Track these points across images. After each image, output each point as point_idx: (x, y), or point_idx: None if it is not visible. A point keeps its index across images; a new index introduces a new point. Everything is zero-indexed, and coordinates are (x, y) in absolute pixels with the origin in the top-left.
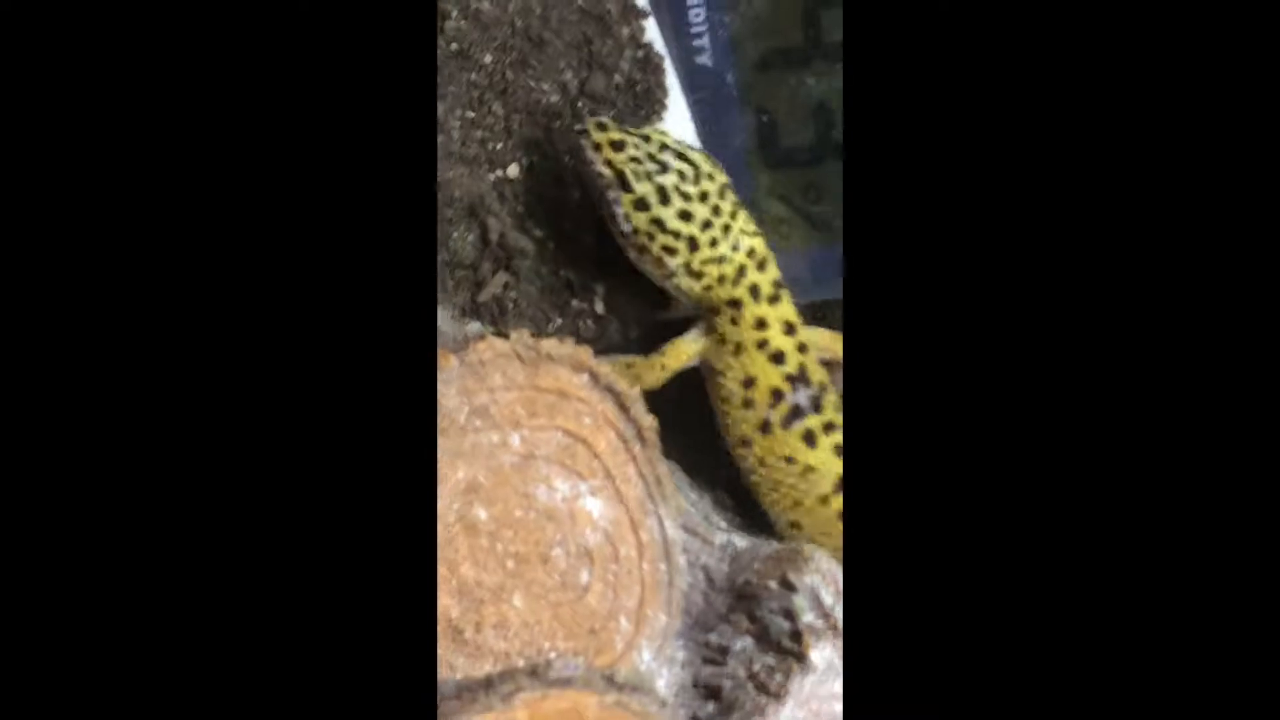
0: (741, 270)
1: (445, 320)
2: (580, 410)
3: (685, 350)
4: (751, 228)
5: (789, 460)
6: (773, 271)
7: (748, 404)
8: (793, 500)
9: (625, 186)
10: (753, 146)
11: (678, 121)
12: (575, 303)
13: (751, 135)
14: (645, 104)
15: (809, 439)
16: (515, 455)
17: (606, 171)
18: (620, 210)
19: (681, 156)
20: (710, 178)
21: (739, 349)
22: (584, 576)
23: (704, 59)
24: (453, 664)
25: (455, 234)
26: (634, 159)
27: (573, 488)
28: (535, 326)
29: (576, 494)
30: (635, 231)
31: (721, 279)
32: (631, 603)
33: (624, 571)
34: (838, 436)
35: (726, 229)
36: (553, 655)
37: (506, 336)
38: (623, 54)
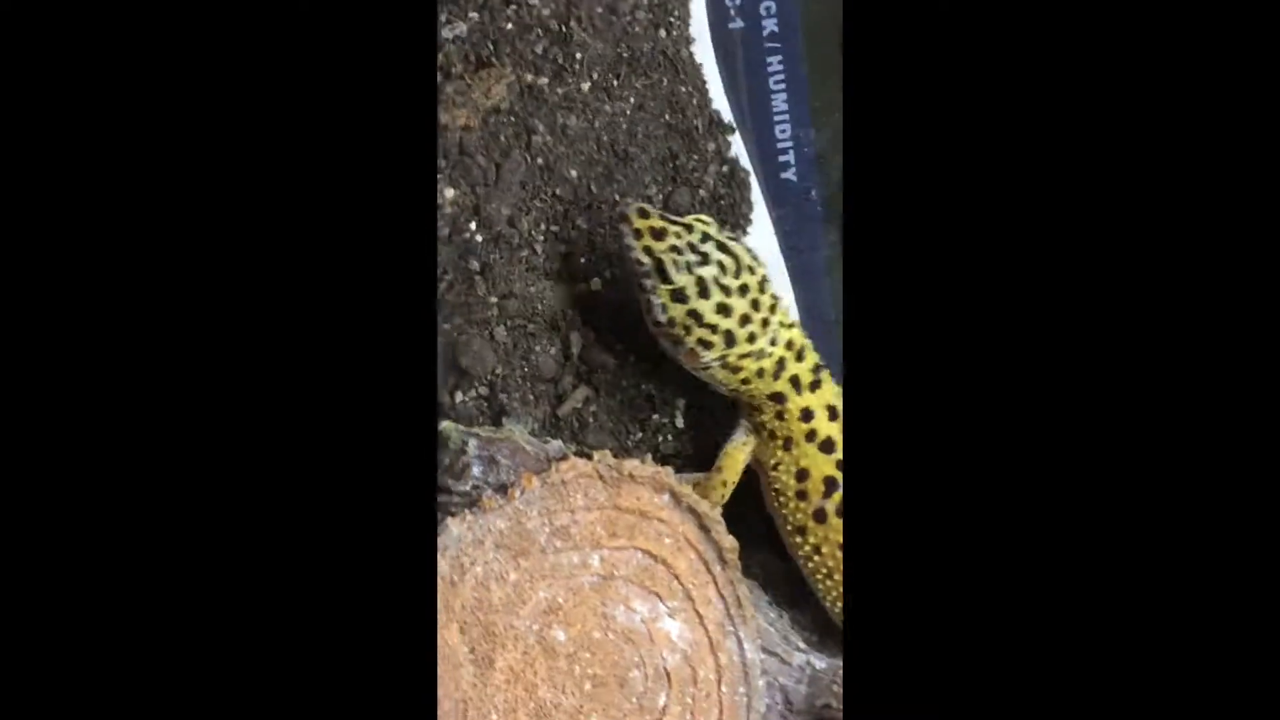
0: (781, 364)
1: (525, 437)
2: (661, 531)
3: (739, 458)
4: (789, 319)
5: (843, 547)
6: (811, 358)
7: (801, 495)
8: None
9: (664, 277)
10: (836, 261)
11: (762, 236)
12: (656, 417)
13: (835, 250)
14: (730, 218)
15: None
16: (595, 576)
17: (646, 260)
18: (657, 300)
19: (723, 248)
20: (750, 270)
21: (789, 443)
22: (661, 699)
23: (789, 174)
24: None
25: (537, 348)
26: (674, 249)
27: (652, 609)
28: (615, 440)
29: (656, 615)
30: (671, 323)
31: (760, 373)
32: None
33: (702, 695)
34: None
35: (765, 324)
36: None
37: (589, 456)
38: (708, 169)
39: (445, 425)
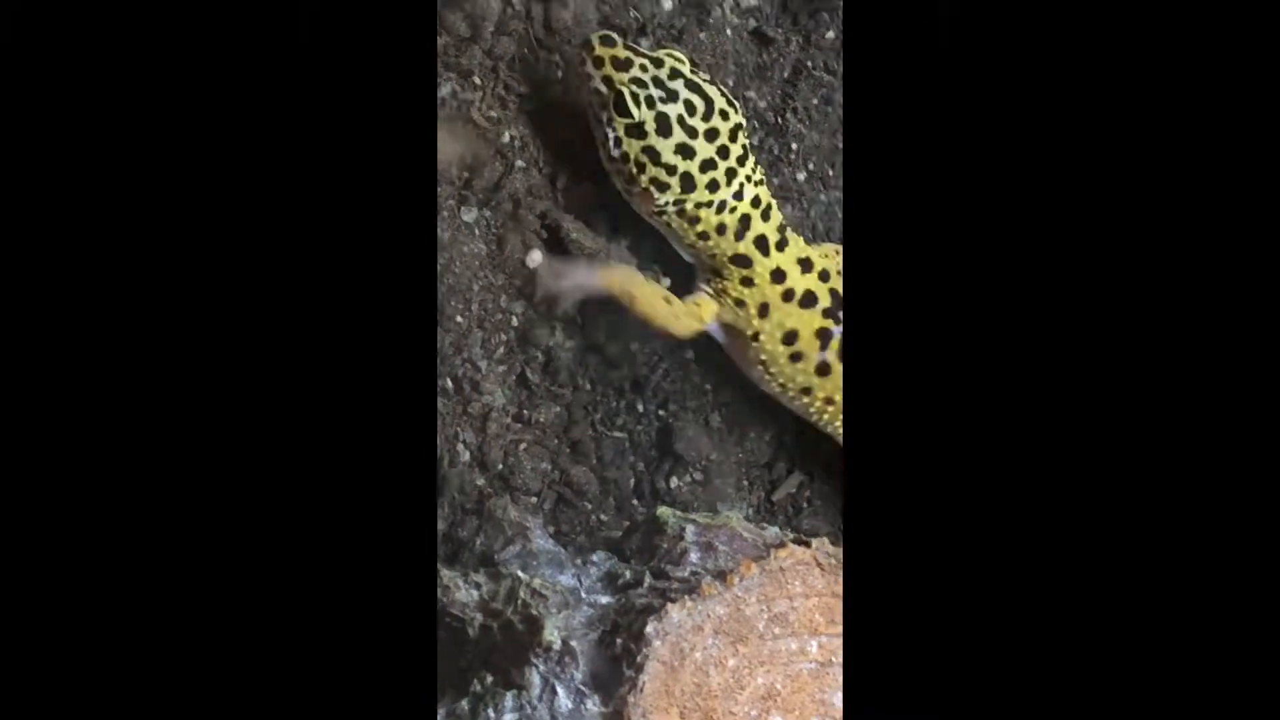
0: (745, 221)
1: (742, 523)
2: None
3: (710, 308)
4: (759, 175)
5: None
6: (777, 217)
7: (796, 357)
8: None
9: (621, 109)
10: None
11: None
12: None
13: None
14: None
15: None
16: (813, 662)
17: (603, 89)
18: (611, 133)
19: (694, 87)
20: (723, 115)
21: (765, 309)
22: None
23: None
24: None
25: (752, 434)
26: (637, 80)
27: None
28: (831, 526)
29: None
30: (624, 158)
31: (721, 229)
32: None
33: None
34: None
35: (730, 174)
36: None
37: (806, 544)
38: None
39: (662, 511)
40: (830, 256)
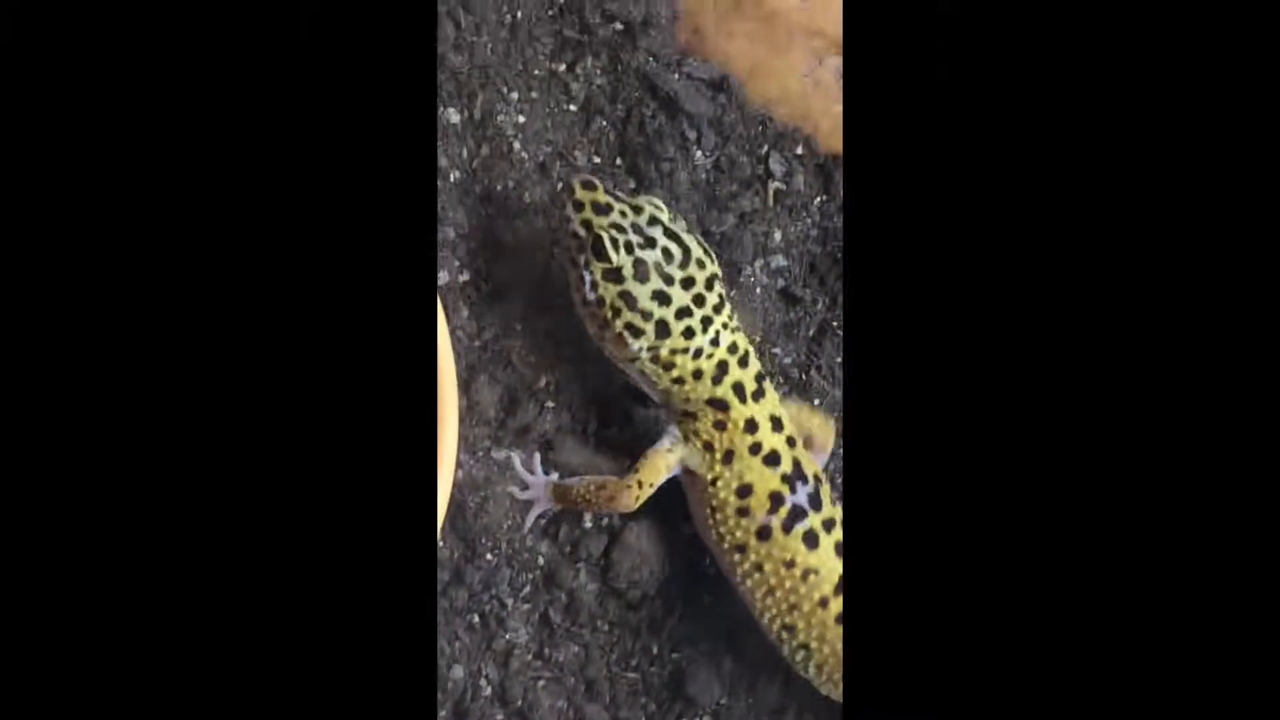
0: (723, 367)
1: None
2: None
3: (662, 464)
4: (735, 323)
5: (789, 564)
6: (755, 365)
7: (743, 512)
8: (789, 604)
9: (599, 253)
10: None
11: None
12: None
13: None
14: None
15: (810, 540)
16: None
17: (581, 232)
18: (589, 276)
19: (671, 235)
20: (700, 265)
21: (729, 456)
22: None
23: None
24: None
25: (762, 679)
26: (616, 225)
27: None
28: None
29: None
30: (600, 302)
31: (698, 374)
32: None
33: None
34: (838, 534)
35: (706, 322)
36: None
37: None
38: None
39: None
40: (800, 422)
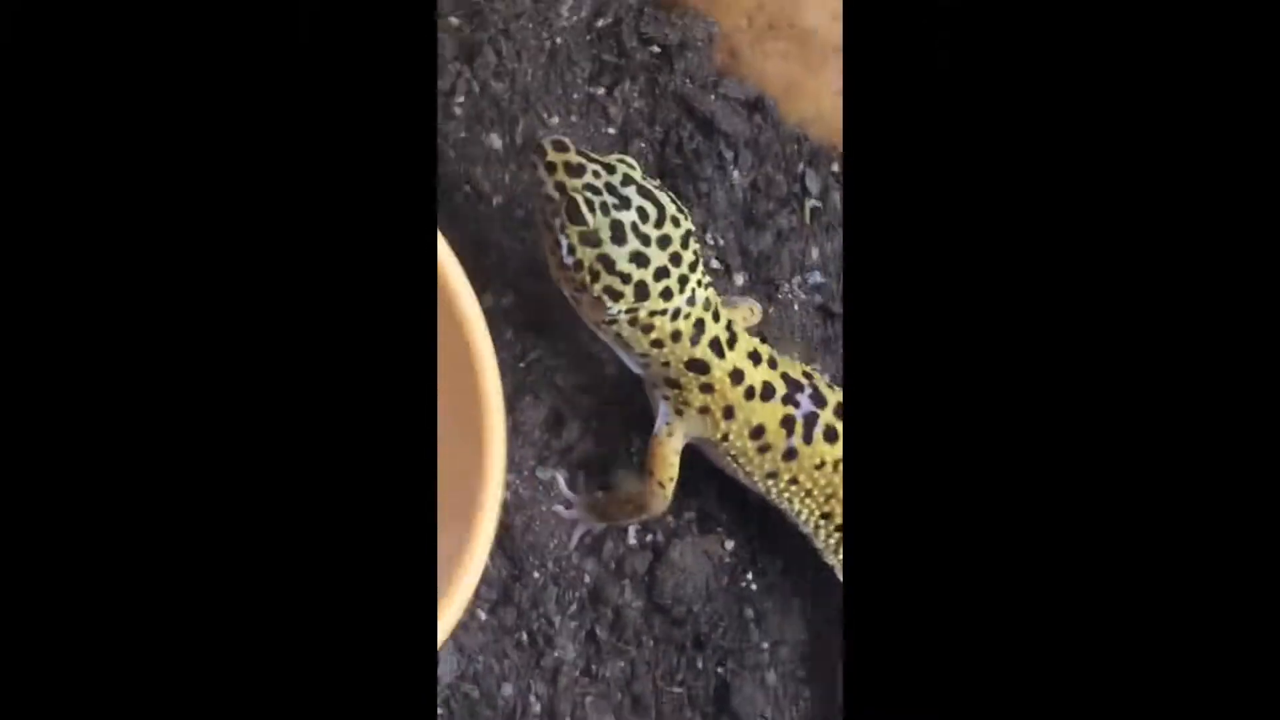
0: (700, 325)
1: None
2: None
3: (670, 452)
4: (707, 278)
5: (819, 466)
6: (724, 313)
7: (764, 449)
8: (825, 496)
9: (575, 216)
10: None
11: None
12: None
13: None
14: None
15: (830, 436)
16: None
17: (555, 195)
18: (565, 240)
19: (646, 193)
20: (675, 222)
21: (730, 411)
22: None
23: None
24: None
25: (807, 693)
26: (590, 187)
27: None
28: None
29: None
30: (578, 266)
31: (676, 335)
32: None
33: None
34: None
35: (684, 281)
36: None
37: None
38: None
39: None
40: (742, 325)
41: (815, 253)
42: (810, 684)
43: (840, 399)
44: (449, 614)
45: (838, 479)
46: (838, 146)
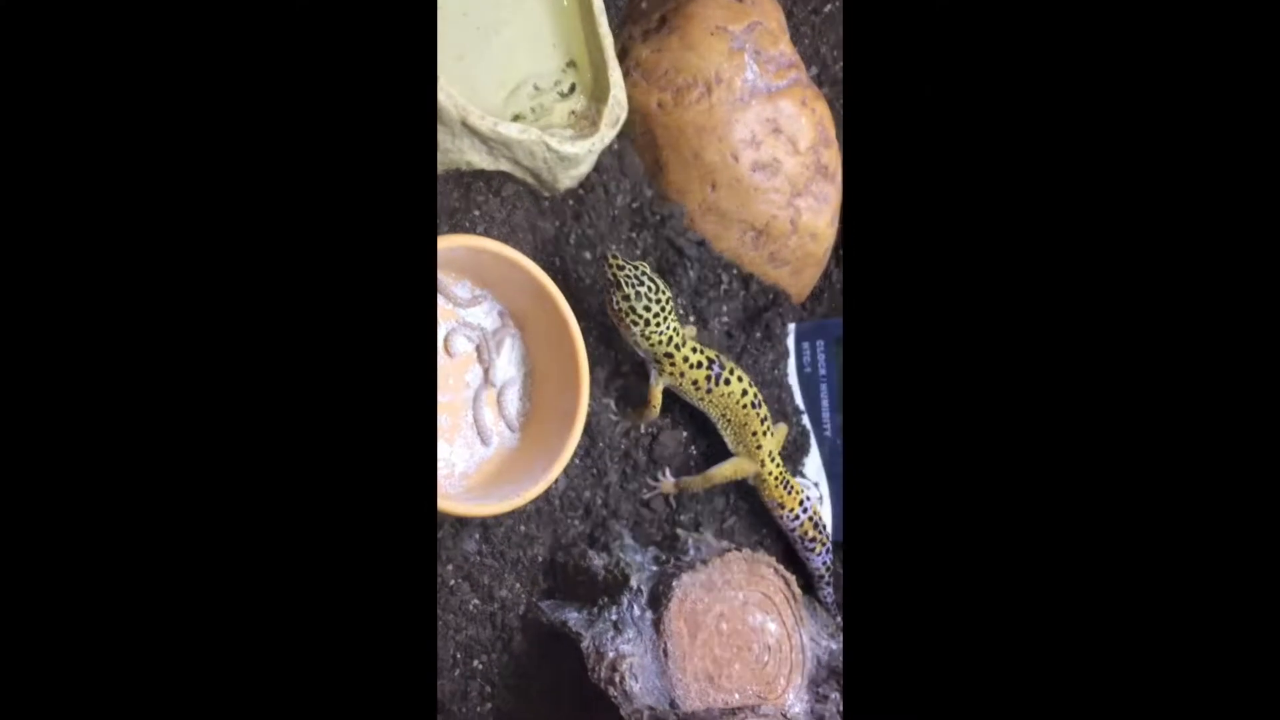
0: (671, 340)
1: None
2: (770, 581)
3: (657, 392)
4: (674, 323)
5: (722, 396)
6: (683, 333)
7: (697, 387)
8: (723, 410)
9: (619, 287)
10: None
11: (813, 463)
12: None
13: None
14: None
15: (725, 383)
16: (742, 603)
17: (611, 277)
18: (614, 298)
19: (652, 281)
20: (663, 293)
21: (682, 374)
22: (766, 658)
23: (829, 433)
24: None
25: None
26: (627, 275)
27: (765, 618)
28: (749, 542)
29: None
30: (618, 310)
31: (660, 341)
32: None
33: (785, 656)
34: (744, 379)
35: (663, 320)
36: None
37: (739, 548)
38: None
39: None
40: (688, 339)
41: (725, 308)
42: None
43: (733, 366)
44: (562, 459)
45: (730, 402)
46: (742, 266)
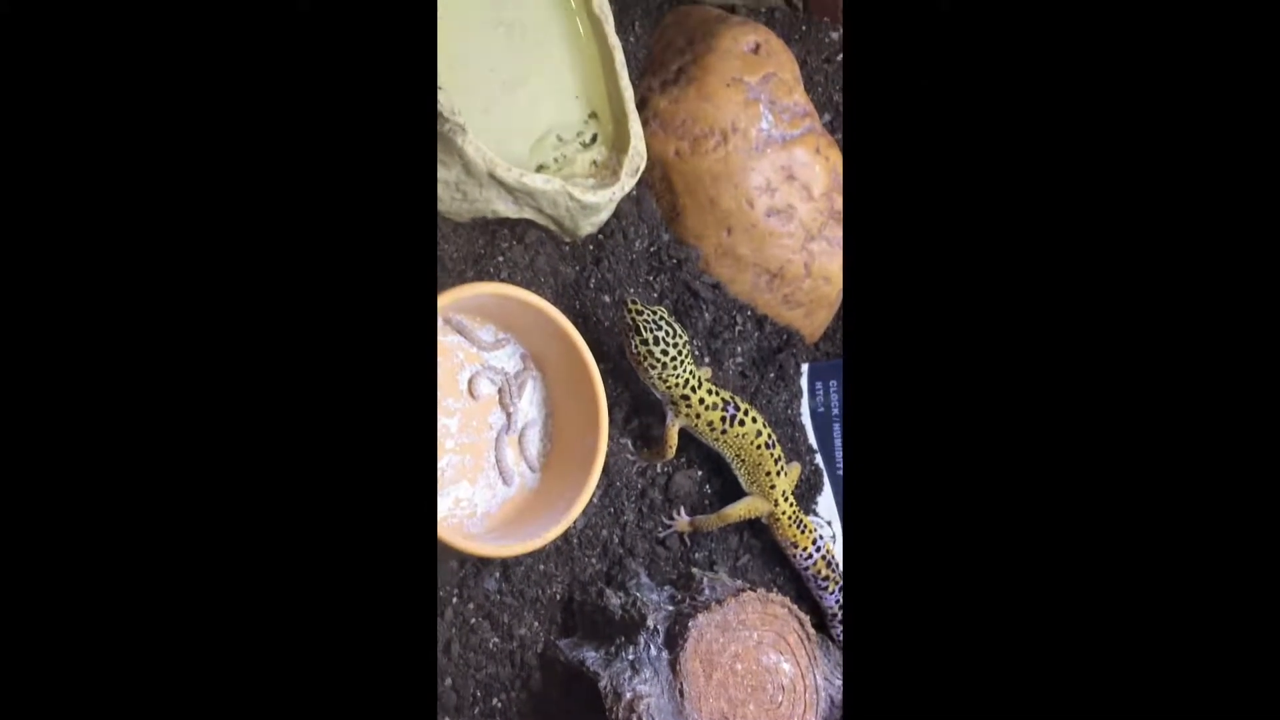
0: (688, 382)
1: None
2: (784, 622)
3: (673, 433)
4: (691, 365)
5: (737, 436)
6: (698, 374)
7: (712, 428)
8: (737, 450)
9: (639, 331)
10: None
11: (826, 502)
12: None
13: None
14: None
15: (740, 424)
16: (756, 641)
17: (630, 321)
18: (634, 340)
19: (670, 325)
20: (680, 337)
21: (698, 414)
22: (780, 697)
23: (842, 471)
24: None
25: None
26: (645, 320)
27: (779, 659)
28: (763, 581)
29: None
30: (637, 353)
31: (678, 384)
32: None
33: (799, 697)
34: (759, 419)
35: (680, 363)
36: None
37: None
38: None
39: None
40: (704, 381)
41: (739, 348)
42: None
43: (748, 407)
44: (582, 499)
45: (744, 443)
46: (756, 308)
